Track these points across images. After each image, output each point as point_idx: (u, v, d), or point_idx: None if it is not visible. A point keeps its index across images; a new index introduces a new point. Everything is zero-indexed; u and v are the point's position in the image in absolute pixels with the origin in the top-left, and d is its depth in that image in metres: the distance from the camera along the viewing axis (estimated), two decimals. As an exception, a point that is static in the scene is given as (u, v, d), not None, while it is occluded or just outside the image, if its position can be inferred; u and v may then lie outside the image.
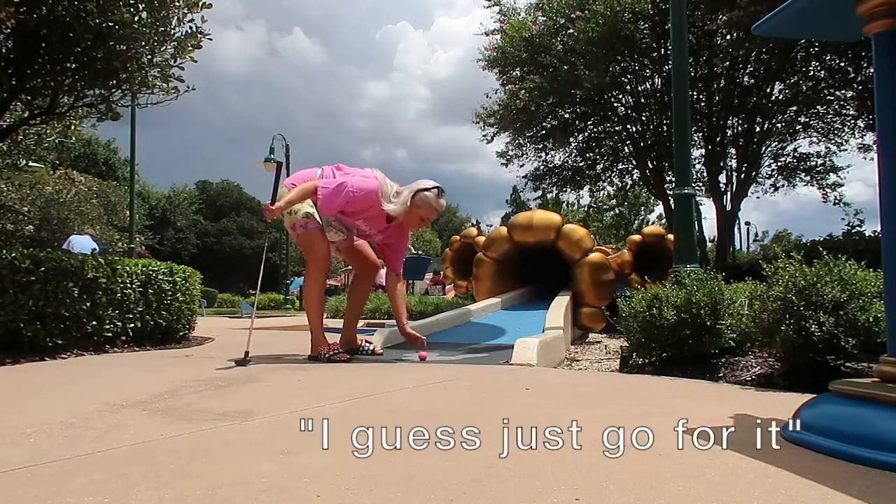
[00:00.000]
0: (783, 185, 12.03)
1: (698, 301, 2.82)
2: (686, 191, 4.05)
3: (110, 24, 3.85)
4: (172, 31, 4.29)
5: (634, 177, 12.65)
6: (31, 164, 7.38)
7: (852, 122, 10.47)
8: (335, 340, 3.55)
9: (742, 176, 10.68)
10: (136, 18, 3.95)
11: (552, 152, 12.44)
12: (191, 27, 4.32)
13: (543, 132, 11.70)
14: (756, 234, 34.74)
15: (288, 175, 5.08)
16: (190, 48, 4.35)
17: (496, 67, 10.94)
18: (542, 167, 12.67)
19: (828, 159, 11.46)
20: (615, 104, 11.02)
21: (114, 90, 4.48)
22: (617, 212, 25.56)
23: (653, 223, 25.10)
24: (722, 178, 11.03)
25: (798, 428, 1.49)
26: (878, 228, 1.69)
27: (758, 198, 17.01)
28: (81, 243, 9.13)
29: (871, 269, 2.40)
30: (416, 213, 3.43)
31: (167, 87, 4.46)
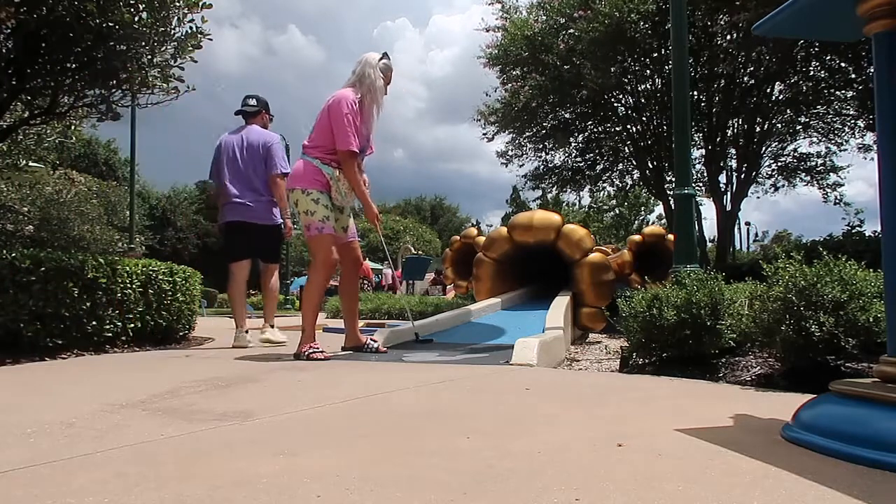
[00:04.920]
0: (783, 185, 12.07)
1: (698, 301, 2.82)
2: (686, 191, 4.05)
3: (110, 24, 3.86)
4: (172, 32, 4.29)
5: (634, 177, 12.66)
6: (31, 164, 7.38)
7: (852, 122, 10.48)
8: (318, 340, 3.60)
9: (742, 176, 10.69)
10: (136, 19, 3.95)
11: (552, 152, 12.45)
12: (191, 27, 4.33)
13: (544, 132, 11.71)
14: (756, 234, 34.78)
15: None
16: (190, 48, 4.35)
17: (497, 65, 10.95)
18: (542, 167, 12.69)
19: (828, 159, 11.48)
20: (615, 104, 11.03)
21: (114, 90, 4.48)
22: (617, 212, 25.58)
23: (653, 223, 25.11)
24: (722, 178, 11.05)
25: (798, 428, 1.49)
26: (878, 228, 1.69)
27: (758, 198, 17.04)
28: None
29: (871, 269, 2.40)
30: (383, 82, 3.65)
31: (167, 87, 4.46)
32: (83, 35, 3.87)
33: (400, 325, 5.04)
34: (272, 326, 4.58)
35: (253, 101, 4.67)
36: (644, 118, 10.83)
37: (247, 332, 4.45)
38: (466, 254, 7.60)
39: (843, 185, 11.55)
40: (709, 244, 15.53)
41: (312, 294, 3.66)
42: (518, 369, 2.92)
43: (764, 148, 10.75)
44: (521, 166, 12.77)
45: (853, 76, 9.09)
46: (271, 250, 4.67)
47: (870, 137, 10.32)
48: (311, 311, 3.62)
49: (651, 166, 11.25)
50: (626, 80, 10.31)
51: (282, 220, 4.60)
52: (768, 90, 9.93)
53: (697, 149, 10.57)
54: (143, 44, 4.15)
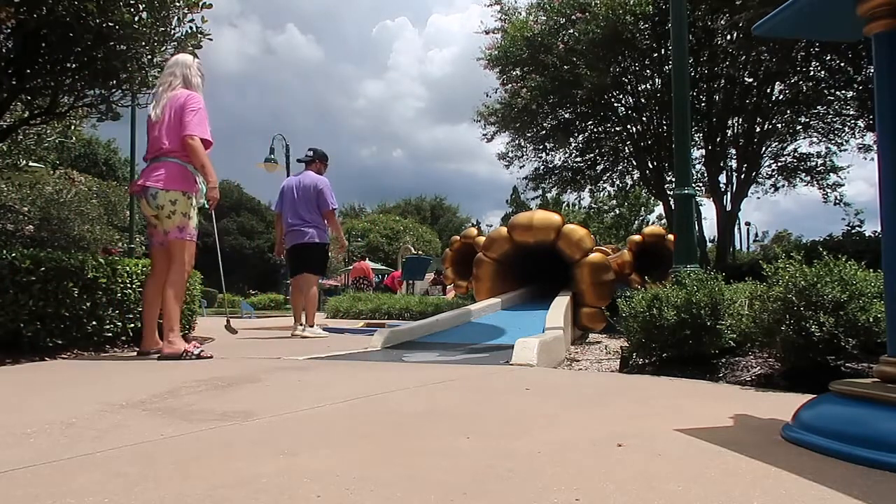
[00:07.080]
0: (783, 186, 12.05)
1: (698, 301, 2.82)
2: (686, 191, 4.05)
3: (110, 24, 3.85)
4: (172, 32, 4.28)
5: (634, 177, 12.65)
6: (31, 164, 7.37)
7: (852, 122, 10.47)
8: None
9: (742, 176, 10.68)
10: (136, 18, 3.95)
11: (552, 153, 12.45)
12: (191, 27, 4.32)
13: (544, 132, 11.71)
14: (756, 234, 34.72)
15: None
16: (190, 48, 4.34)
17: (497, 66, 10.95)
18: (542, 168, 12.68)
19: (828, 159, 11.47)
20: (615, 104, 11.03)
21: (114, 90, 4.48)
22: (617, 212, 25.56)
23: (653, 223, 25.11)
24: (722, 178, 11.04)
25: (798, 428, 1.49)
26: (878, 228, 1.69)
27: (758, 198, 17.00)
28: None
29: (871, 270, 2.40)
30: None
31: (167, 87, 4.45)
32: (83, 35, 3.86)
33: (400, 325, 5.04)
34: (311, 326, 5.68)
35: (310, 153, 6.02)
36: (644, 118, 10.83)
37: (302, 325, 5.58)
38: (466, 254, 7.60)
39: (843, 185, 11.55)
40: (709, 244, 15.52)
41: (179, 297, 3.57)
42: (518, 369, 2.92)
43: (764, 148, 10.73)
44: (521, 167, 12.77)
45: (853, 76, 9.08)
46: (318, 265, 5.82)
47: (870, 137, 10.31)
48: (178, 308, 3.55)
49: (651, 166, 11.24)
50: (625, 81, 10.31)
51: (328, 242, 5.80)
52: (768, 90, 9.92)
53: (697, 149, 10.57)
54: (143, 44, 4.14)
